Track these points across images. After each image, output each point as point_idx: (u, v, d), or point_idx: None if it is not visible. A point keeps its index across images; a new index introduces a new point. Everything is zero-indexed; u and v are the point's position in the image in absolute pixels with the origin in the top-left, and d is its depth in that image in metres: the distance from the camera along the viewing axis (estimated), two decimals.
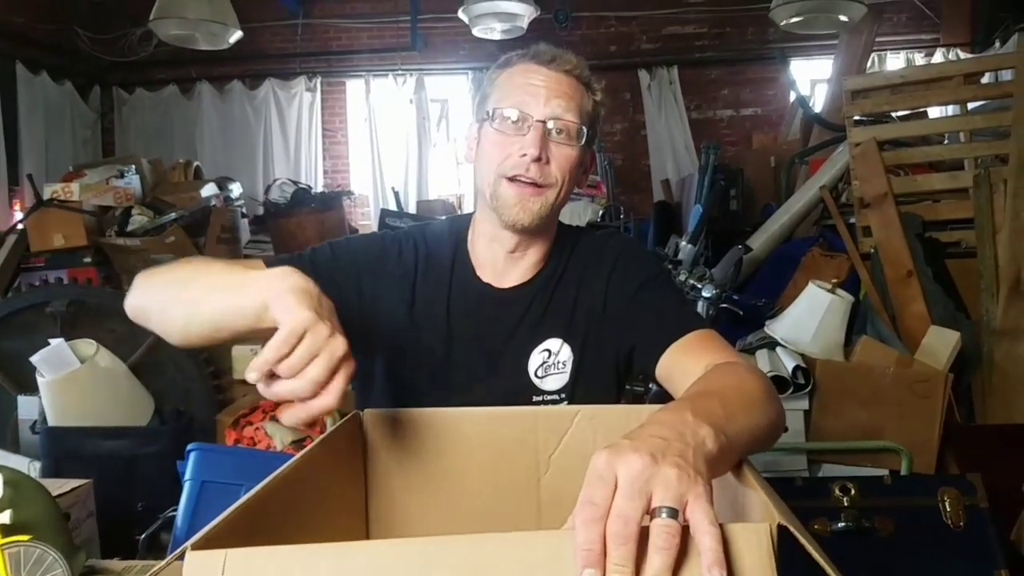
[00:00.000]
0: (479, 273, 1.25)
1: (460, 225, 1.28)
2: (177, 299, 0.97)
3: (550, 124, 1.14)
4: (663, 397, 1.10)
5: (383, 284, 1.22)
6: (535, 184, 1.14)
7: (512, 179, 1.15)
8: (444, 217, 1.37)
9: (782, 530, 0.52)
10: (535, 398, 1.21)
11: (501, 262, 1.23)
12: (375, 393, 1.23)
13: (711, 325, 1.17)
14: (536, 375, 1.21)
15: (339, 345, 0.78)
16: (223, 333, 0.90)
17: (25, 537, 0.96)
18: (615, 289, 1.22)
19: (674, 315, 1.16)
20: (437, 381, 1.20)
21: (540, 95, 1.14)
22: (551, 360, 1.21)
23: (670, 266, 3.54)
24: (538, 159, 1.13)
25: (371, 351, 1.21)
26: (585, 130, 1.16)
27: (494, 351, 1.22)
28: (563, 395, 1.21)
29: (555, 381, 1.21)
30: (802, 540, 0.49)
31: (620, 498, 0.55)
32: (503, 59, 1.21)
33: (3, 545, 0.93)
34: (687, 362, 1.07)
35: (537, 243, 1.23)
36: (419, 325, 1.21)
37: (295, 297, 0.79)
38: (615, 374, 1.23)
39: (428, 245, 1.26)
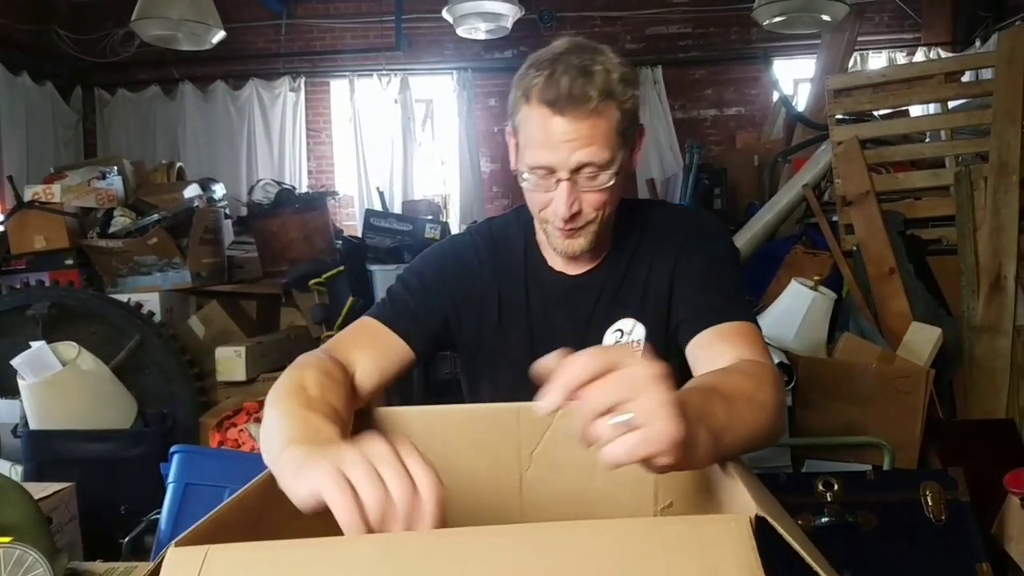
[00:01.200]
0: (551, 263, 1.26)
1: (527, 216, 1.25)
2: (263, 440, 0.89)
3: (576, 175, 1.10)
4: None
5: (475, 292, 1.25)
6: (575, 228, 1.15)
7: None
8: (510, 210, 1.35)
9: (765, 522, 0.52)
10: None
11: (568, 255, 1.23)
12: (480, 397, 1.28)
13: (755, 323, 1.15)
14: None
15: (375, 448, 0.72)
16: None
17: (6, 539, 0.96)
18: (683, 268, 1.20)
19: (724, 300, 1.14)
20: (522, 372, 1.21)
21: (562, 149, 1.07)
22: (624, 340, 1.21)
23: None
24: (570, 216, 1.12)
25: (479, 359, 1.26)
26: (619, 153, 1.10)
27: (575, 340, 1.21)
28: None
29: None
30: (780, 530, 0.49)
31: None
32: (523, 76, 1.11)
33: None
34: (718, 348, 1.07)
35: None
36: (507, 322, 1.24)
37: (293, 478, 0.73)
38: (676, 352, 1.20)
39: (496, 241, 1.28)
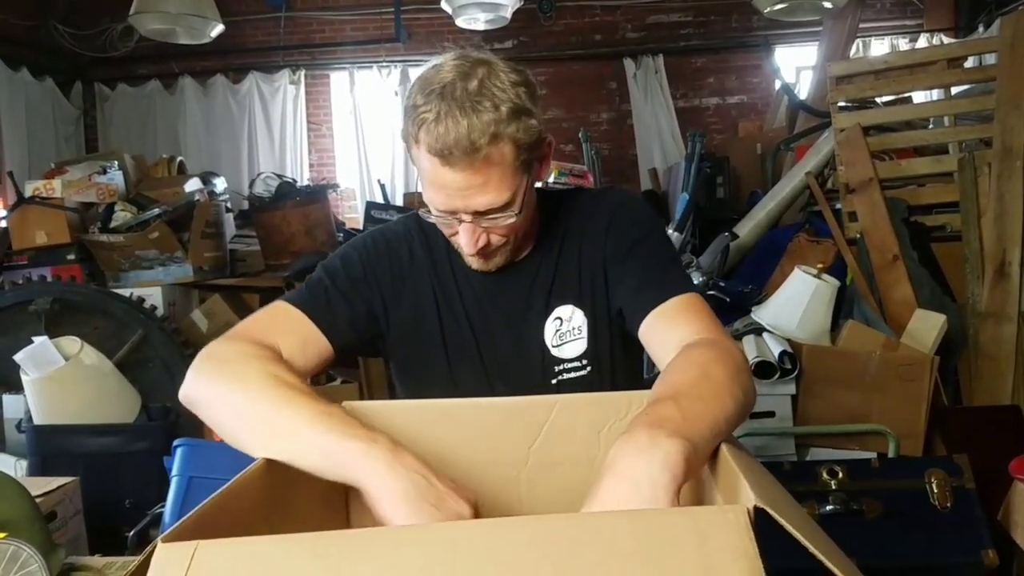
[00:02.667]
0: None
1: None
2: (257, 428, 0.90)
3: (477, 218, 1.07)
4: None
5: (408, 285, 1.22)
6: (486, 254, 1.13)
7: None
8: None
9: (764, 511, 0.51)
10: (556, 368, 1.19)
11: None
12: (415, 387, 1.25)
13: (694, 289, 1.13)
14: (552, 345, 1.19)
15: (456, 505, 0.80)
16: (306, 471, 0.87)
17: (0, 535, 0.95)
18: (612, 247, 1.19)
19: (659, 279, 1.12)
20: (467, 366, 1.21)
21: (457, 198, 1.04)
22: (564, 328, 1.19)
23: None
24: (478, 251, 1.11)
25: (418, 354, 1.23)
26: (520, 185, 1.07)
27: (512, 332, 1.21)
28: (584, 361, 1.19)
29: (572, 348, 1.19)
30: (780, 520, 0.49)
31: None
32: (410, 109, 1.05)
33: None
34: (663, 331, 1.06)
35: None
36: (447, 316, 1.21)
37: (407, 507, 0.78)
38: (620, 334, 1.20)
39: (427, 234, 1.24)
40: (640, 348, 1.16)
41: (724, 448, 0.76)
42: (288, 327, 1.10)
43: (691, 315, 1.06)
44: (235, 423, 0.93)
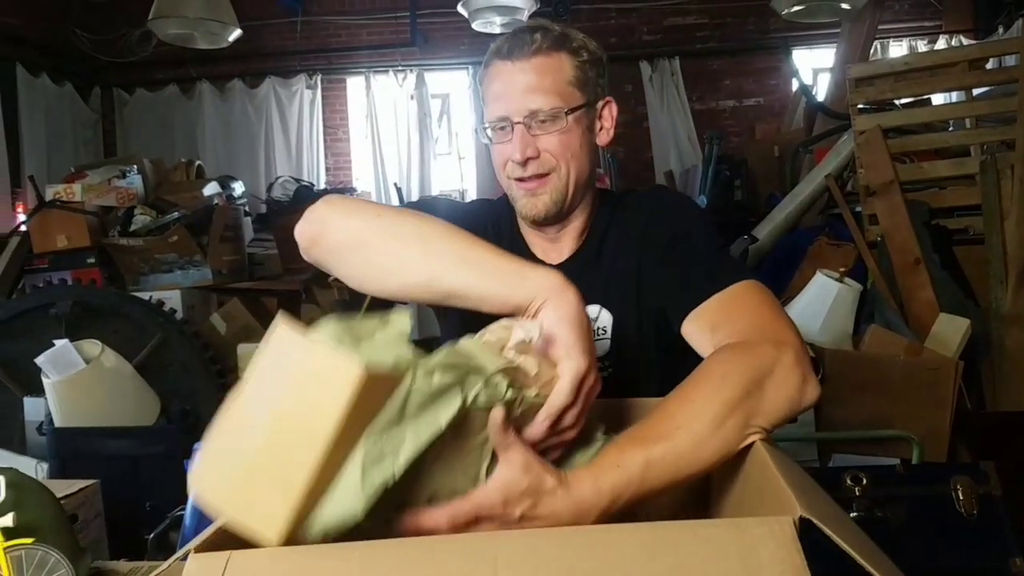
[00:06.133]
0: (533, 251, 1.26)
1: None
2: (415, 254, 0.90)
3: (529, 120, 1.13)
4: None
5: None
6: (537, 176, 1.16)
7: (518, 180, 1.17)
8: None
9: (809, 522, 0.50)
10: None
11: (546, 242, 1.25)
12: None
13: (737, 278, 1.05)
14: None
15: (598, 387, 0.80)
16: (461, 303, 0.88)
17: (28, 540, 0.95)
18: (647, 246, 1.18)
19: (700, 276, 1.07)
20: None
21: (510, 96, 1.13)
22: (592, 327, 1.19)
23: None
24: (526, 160, 1.14)
25: (457, 317, 1.19)
26: (571, 104, 1.14)
27: None
28: (607, 362, 1.18)
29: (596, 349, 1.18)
30: (827, 531, 0.47)
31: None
32: (487, 56, 1.20)
33: (5, 548, 0.92)
34: (702, 332, 1.02)
35: (572, 222, 1.23)
36: None
37: (578, 332, 0.79)
38: (656, 336, 1.18)
39: (499, 217, 1.29)
40: (668, 357, 1.16)
41: (765, 452, 0.73)
42: None
43: (728, 316, 0.99)
44: (382, 242, 0.93)
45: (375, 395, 0.60)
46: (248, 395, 0.62)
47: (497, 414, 0.68)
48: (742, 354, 0.87)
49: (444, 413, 0.65)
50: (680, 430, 0.76)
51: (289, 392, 0.59)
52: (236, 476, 0.58)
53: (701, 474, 0.77)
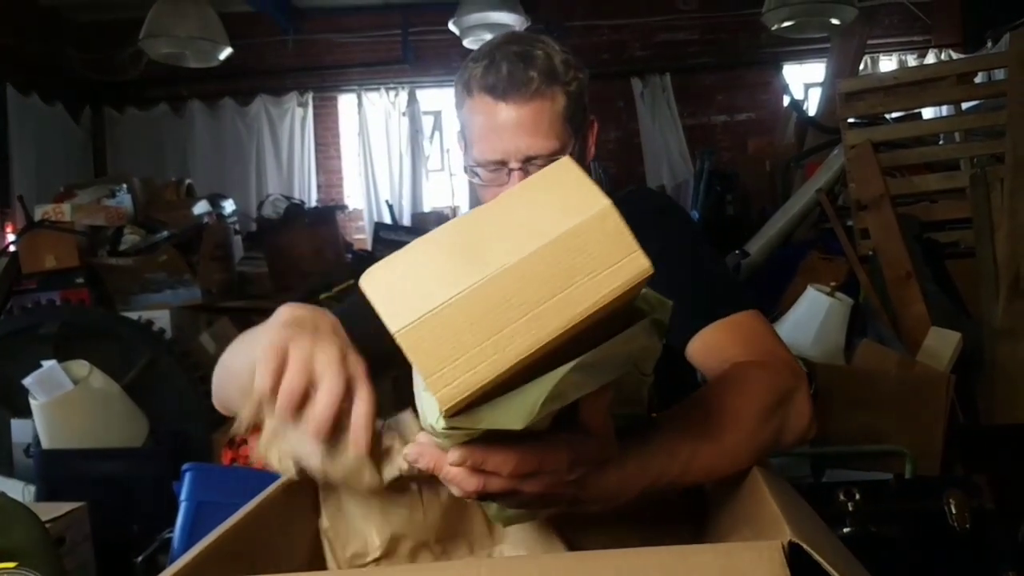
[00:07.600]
0: None
1: None
2: (228, 379, 0.98)
3: (527, 165, 1.08)
4: None
5: None
6: None
7: None
8: None
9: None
10: None
11: None
12: None
13: (743, 298, 1.03)
14: None
15: (327, 345, 0.73)
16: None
17: (11, 564, 0.93)
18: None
19: (702, 297, 1.02)
20: None
21: (506, 139, 1.06)
22: None
23: None
24: None
25: None
26: (568, 142, 1.09)
27: None
28: None
29: None
30: (816, 558, 0.46)
31: None
32: (463, 71, 1.11)
33: None
34: (709, 352, 0.99)
35: None
36: None
37: (279, 328, 0.77)
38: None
39: None
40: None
41: (758, 473, 0.73)
42: None
43: (744, 336, 0.98)
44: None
45: (616, 317, 0.55)
46: (500, 220, 0.54)
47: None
48: (771, 373, 0.88)
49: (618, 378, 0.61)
50: (726, 432, 0.77)
51: (556, 247, 0.52)
52: (431, 300, 0.50)
53: (730, 476, 0.78)
